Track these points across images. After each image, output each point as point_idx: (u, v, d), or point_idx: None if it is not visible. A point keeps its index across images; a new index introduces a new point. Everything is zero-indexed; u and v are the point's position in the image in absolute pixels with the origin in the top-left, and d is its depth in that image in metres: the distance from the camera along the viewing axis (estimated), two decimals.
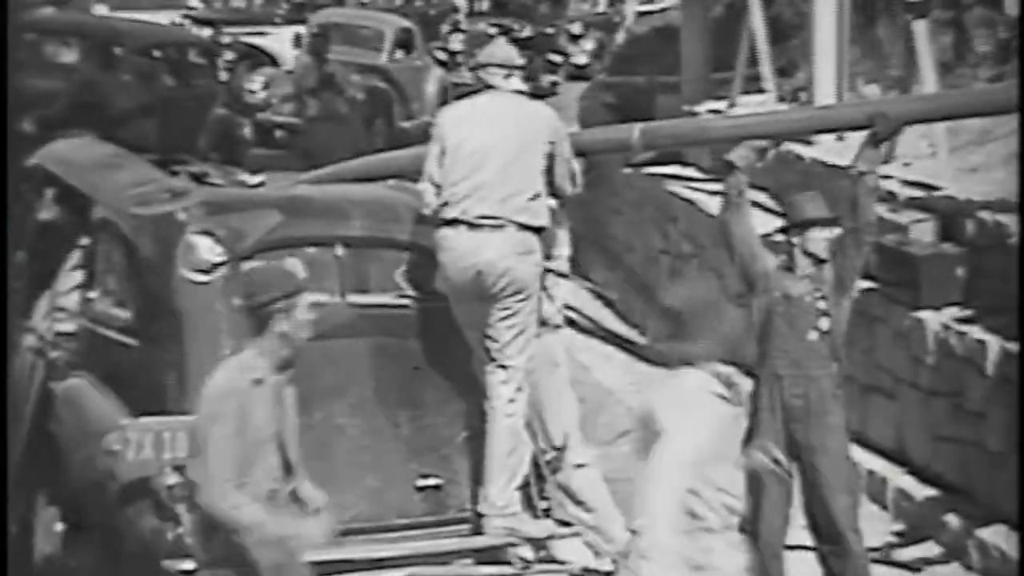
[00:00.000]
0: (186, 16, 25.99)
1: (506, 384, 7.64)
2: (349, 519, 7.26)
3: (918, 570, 8.56)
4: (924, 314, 9.32)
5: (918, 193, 10.24)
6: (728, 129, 9.26)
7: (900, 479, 9.24)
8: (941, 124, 10.35)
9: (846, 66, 12.47)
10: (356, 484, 7.35)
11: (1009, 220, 9.35)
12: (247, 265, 7.47)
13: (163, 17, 23.58)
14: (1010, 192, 9.83)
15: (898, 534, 8.98)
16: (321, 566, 7.15)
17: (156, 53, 18.58)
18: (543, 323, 7.94)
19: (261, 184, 9.19)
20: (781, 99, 13.77)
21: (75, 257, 8.33)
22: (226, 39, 22.31)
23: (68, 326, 8.14)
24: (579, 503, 7.98)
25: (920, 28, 11.37)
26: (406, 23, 23.95)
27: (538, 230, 7.72)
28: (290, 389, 6.28)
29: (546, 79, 28.25)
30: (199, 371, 7.33)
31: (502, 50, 8.08)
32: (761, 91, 13.93)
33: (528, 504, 7.72)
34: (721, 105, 13.94)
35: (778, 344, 7.80)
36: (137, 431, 7.00)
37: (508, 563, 7.50)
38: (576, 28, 32.92)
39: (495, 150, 7.67)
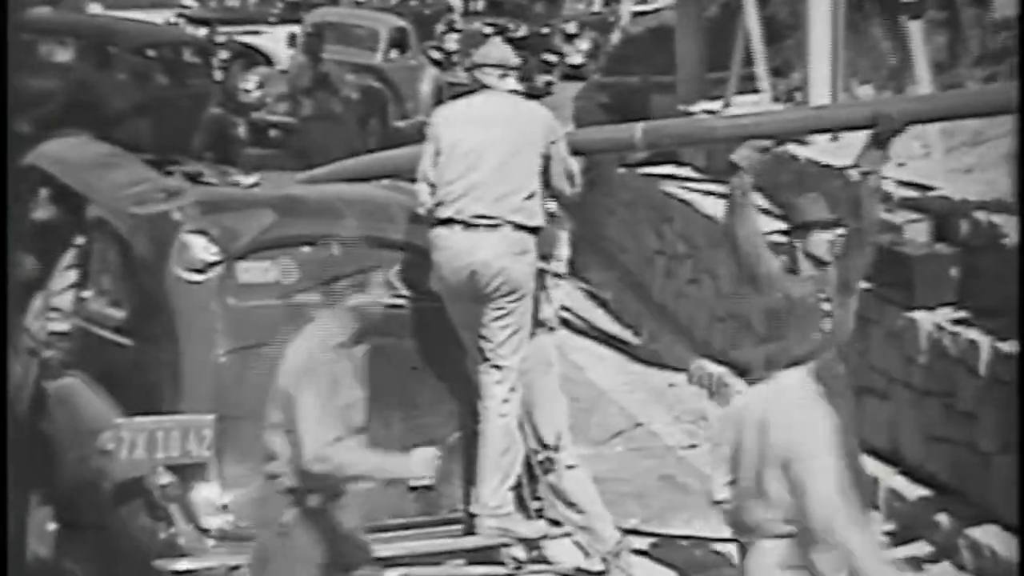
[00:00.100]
0: (181, 15, 25.97)
1: (500, 384, 7.64)
2: None
3: (919, 569, 8.58)
4: (917, 314, 9.33)
5: (912, 193, 10.24)
6: (731, 129, 9.24)
7: (892, 479, 9.25)
8: (935, 125, 10.35)
9: (841, 66, 12.48)
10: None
11: (1003, 220, 9.36)
12: (242, 265, 7.49)
13: (158, 16, 23.56)
14: (1004, 192, 9.84)
15: (889, 534, 8.99)
16: None
17: (151, 52, 18.57)
18: (539, 324, 7.95)
19: (255, 185, 9.18)
20: (776, 99, 13.77)
21: (69, 256, 8.33)
22: (221, 38, 22.32)
23: (62, 325, 8.14)
24: (570, 504, 7.99)
25: (915, 28, 11.37)
26: (401, 22, 23.95)
27: (533, 230, 7.72)
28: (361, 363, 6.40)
29: (541, 79, 28.26)
30: (193, 371, 7.35)
31: (497, 50, 8.08)
32: (756, 91, 13.93)
33: (521, 504, 7.72)
34: (716, 105, 13.95)
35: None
36: (130, 431, 7.00)
37: (501, 563, 7.51)
38: (571, 28, 32.93)
39: (490, 150, 7.68)
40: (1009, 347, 8.48)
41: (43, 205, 8.73)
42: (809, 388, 5.89)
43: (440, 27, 30.12)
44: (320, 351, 6.26)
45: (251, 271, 7.58)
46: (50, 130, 11.02)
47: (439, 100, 19.27)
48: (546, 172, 7.77)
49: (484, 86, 7.91)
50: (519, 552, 7.56)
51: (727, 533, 8.97)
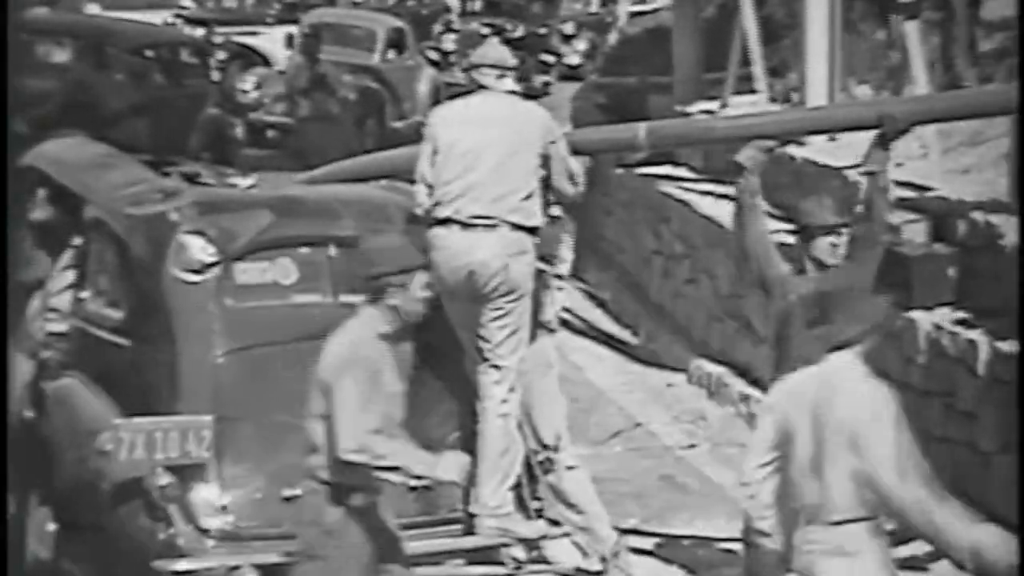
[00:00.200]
0: (178, 16, 25.97)
1: (499, 384, 7.64)
2: None
3: (924, 569, 8.57)
4: (916, 314, 9.33)
5: (910, 194, 10.24)
6: (733, 129, 9.22)
7: None
8: (932, 125, 10.36)
9: (838, 66, 12.48)
10: None
11: (1001, 221, 9.37)
12: (240, 265, 7.49)
13: (155, 17, 23.57)
14: (1002, 193, 9.85)
15: (888, 533, 8.97)
16: None
17: (148, 53, 18.57)
18: (540, 326, 7.95)
19: (253, 186, 9.18)
20: (773, 99, 13.77)
21: (67, 257, 8.32)
22: (218, 39, 22.31)
23: (60, 326, 8.13)
24: (570, 505, 7.99)
25: (911, 29, 11.38)
26: (398, 23, 23.95)
27: (531, 230, 7.71)
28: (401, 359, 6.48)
29: (539, 79, 28.25)
30: (191, 371, 7.35)
31: (495, 51, 8.08)
32: (753, 91, 13.93)
33: (520, 504, 7.72)
34: (713, 105, 13.95)
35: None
36: (129, 431, 7.00)
37: (500, 563, 7.50)
38: (569, 28, 32.93)
39: (488, 150, 7.67)
40: (1008, 347, 8.48)
41: (40, 206, 8.72)
42: (861, 369, 5.87)
43: (437, 27, 30.11)
44: (362, 342, 6.35)
45: (249, 272, 7.58)
46: (47, 130, 11.02)
47: (436, 100, 19.26)
48: (547, 173, 7.77)
49: (481, 86, 7.90)
50: (519, 552, 7.56)
51: (727, 532, 9.02)
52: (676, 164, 14.13)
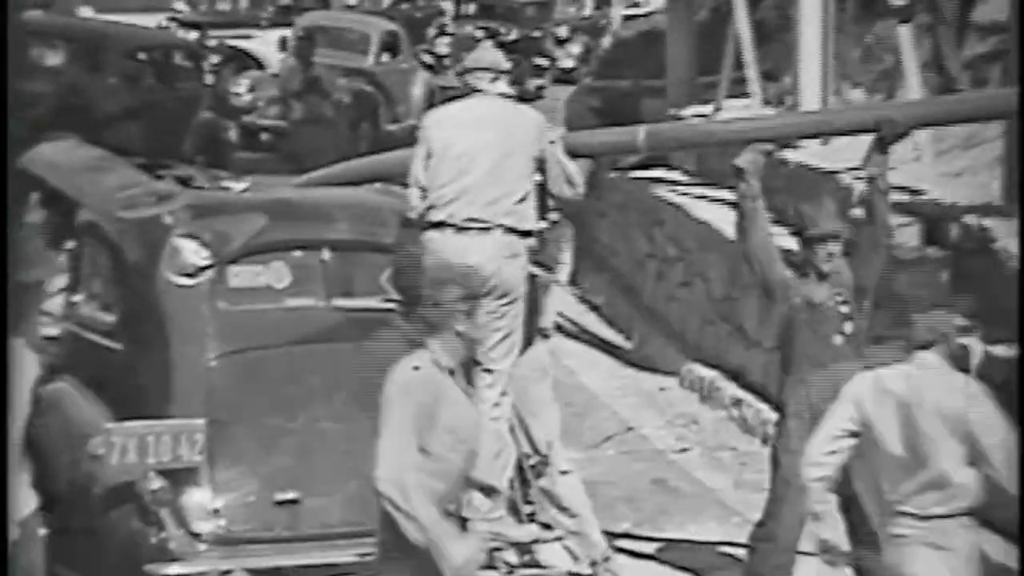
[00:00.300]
0: (172, 19, 25.98)
1: (491, 388, 7.63)
2: (332, 524, 7.27)
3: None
4: None
5: (903, 197, 10.25)
6: (732, 133, 9.21)
7: None
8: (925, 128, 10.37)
9: (831, 70, 12.49)
10: (339, 489, 7.34)
11: (993, 224, 9.37)
12: (233, 269, 7.48)
13: (149, 20, 23.57)
14: (994, 196, 9.86)
15: None
16: (303, 570, 7.16)
17: (141, 56, 18.57)
18: (537, 332, 7.95)
19: (246, 190, 9.17)
20: (767, 102, 13.78)
21: (60, 261, 8.31)
22: (211, 42, 22.32)
23: (52, 330, 8.12)
24: (563, 509, 7.99)
25: (904, 33, 11.38)
26: (392, 26, 23.96)
27: (525, 233, 7.71)
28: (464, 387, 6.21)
29: (532, 83, 28.20)
30: (184, 375, 7.34)
31: (488, 54, 8.08)
32: (747, 95, 13.94)
33: (513, 509, 7.72)
34: (707, 109, 13.96)
35: (802, 350, 7.76)
36: (121, 435, 6.99)
37: (493, 567, 7.49)
38: (562, 32, 32.88)
39: (482, 153, 7.67)
40: (1000, 350, 8.48)
41: (34, 209, 8.71)
42: (949, 366, 5.98)
43: (431, 31, 30.02)
44: (423, 374, 6.04)
45: (242, 275, 7.58)
46: (41, 133, 11.00)
47: (430, 104, 19.19)
48: (545, 176, 7.77)
49: (475, 90, 7.91)
50: (511, 556, 7.55)
51: (719, 535, 9.02)
52: (670, 167, 14.13)
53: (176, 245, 7.46)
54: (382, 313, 7.77)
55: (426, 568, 6.03)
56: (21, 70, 10.56)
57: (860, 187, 9.74)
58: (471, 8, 34.96)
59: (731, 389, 11.34)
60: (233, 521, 7.14)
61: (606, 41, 26.88)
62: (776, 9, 15.25)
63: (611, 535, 8.47)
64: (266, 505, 7.18)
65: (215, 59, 20.95)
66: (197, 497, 7.13)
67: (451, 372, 6.09)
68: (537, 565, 7.62)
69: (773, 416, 9.91)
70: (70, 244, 8.25)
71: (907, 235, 9.73)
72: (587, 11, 36.71)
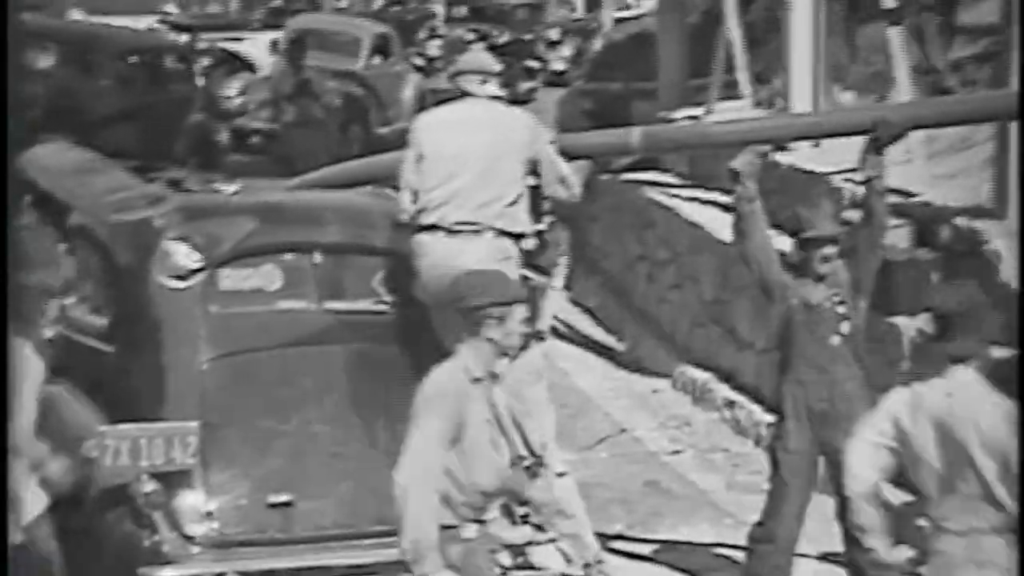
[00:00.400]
0: (163, 21, 26.00)
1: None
2: (325, 526, 7.27)
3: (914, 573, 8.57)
4: (899, 319, 9.34)
5: (894, 199, 10.25)
6: (727, 135, 9.23)
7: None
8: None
9: (822, 72, 12.50)
10: (331, 491, 7.34)
11: (984, 226, 9.38)
12: (224, 272, 7.47)
13: (139, 22, 23.57)
14: (985, 198, 9.87)
15: None
16: (295, 573, 7.16)
17: (133, 58, 18.56)
18: (533, 335, 7.95)
19: (237, 193, 9.17)
20: (758, 104, 13.79)
21: None
22: (202, 44, 22.31)
23: (47, 332, 8.10)
24: (558, 511, 7.99)
25: (894, 34, 11.40)
26: (383, 29, 23.96)
27: (516, 236, 7.71)
28: (499, 394, 6.18)
29: (524, 85, 28.26)
30: (176, 378, 7.34)
31: (479, 57, 8.09)
32: (738, 97, 13.95)
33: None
34: (698, 111, 13.97)
35: (800, 350, 7.77)
36: (114, 438, 6.99)
37: None
38: (554, 34, 32.93)
39: (472, 156, 7.68)
40: (995, 352, 8.49)
41: (25, 212, 8.70)
42: (985, 383, 5.96)
43: (422, 33, 30.11)
44: (450, 384, 6.00)
45: (233, 278, 7.58)
46: (32, 136, 11.00)
47: (421, 106, 19.25)
48: (539, 179, 7.77)
49: (466, 93, 7.91)
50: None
51: (711, 537, 9.03)
52: (662, 170, 14.13)
53: (167, 248, 7.46)
54: (374, 316, 7.77)
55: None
56: (19, 71, 10.54)
57: (853, 189, 9.76)
58: (462, 11, 34.96)
59: (724, 391, 11.35)
60: (226, 524, 7.14)
61: (597, 44, 26.89)
62: (767, 12, 15.26)
63: (604, 537, 8.47)
64: (259, 507, 7.18)
65: (206, 62, 20.96)
66: (190, 500, 7.13)
67: (478, 380, 6.03)
68: (531, 567, 7.63)
69: (766, 418, 9.96)
70: (62, 247, 8.24)
71: (898, 237, 9.74)
72: (578, 14, 36.74)
